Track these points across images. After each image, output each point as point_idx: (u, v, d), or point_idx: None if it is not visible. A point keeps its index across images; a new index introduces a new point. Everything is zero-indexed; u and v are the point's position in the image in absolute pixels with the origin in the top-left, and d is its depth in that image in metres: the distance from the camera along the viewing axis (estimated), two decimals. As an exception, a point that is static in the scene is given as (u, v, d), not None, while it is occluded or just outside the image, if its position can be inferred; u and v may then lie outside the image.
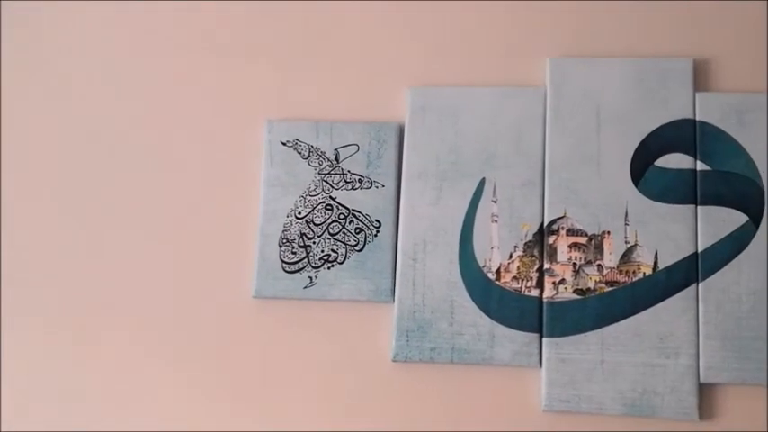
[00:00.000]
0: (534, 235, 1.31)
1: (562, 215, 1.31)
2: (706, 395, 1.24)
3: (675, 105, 1.31)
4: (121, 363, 1.38)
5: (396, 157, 1.36)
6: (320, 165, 1.38)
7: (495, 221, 1.33)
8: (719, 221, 1.27)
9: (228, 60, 1.46)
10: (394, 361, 1.30)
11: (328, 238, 1.35)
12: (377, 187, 1.36)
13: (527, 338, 1.28)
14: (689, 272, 1.26)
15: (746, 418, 1.23)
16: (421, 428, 1.29)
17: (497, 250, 1.32)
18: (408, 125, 1.37)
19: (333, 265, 1.34)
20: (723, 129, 1.29)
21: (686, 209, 1.28)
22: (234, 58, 1.46)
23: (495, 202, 1.33)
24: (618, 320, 1.26)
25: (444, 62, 1.40)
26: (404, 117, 1.37)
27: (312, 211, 1.37)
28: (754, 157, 1.28)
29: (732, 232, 1.26)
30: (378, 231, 1.34)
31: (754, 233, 1.26)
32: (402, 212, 1.34)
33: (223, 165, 1.42)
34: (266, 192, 1.38)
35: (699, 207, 1.28)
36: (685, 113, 1.31)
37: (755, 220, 1.26)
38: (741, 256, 1.26)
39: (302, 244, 1.36)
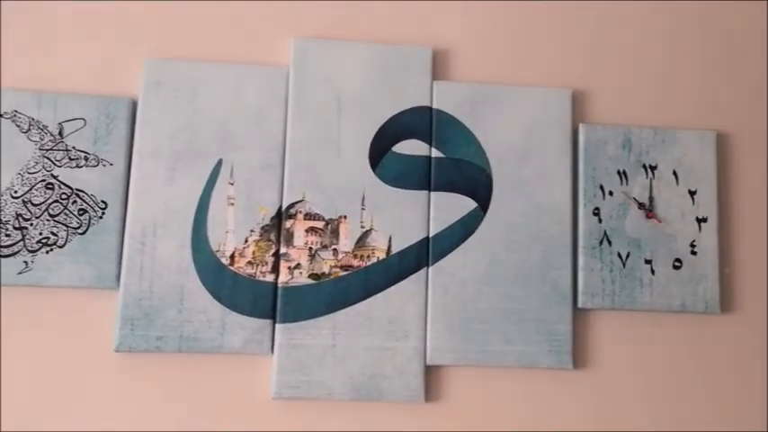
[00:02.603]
0: (272, 219, 1.31)
1: (300, 199, 1.32)
2: (433, 377, 1.31)
3: (414, 93, 1.36)
4: None
5: (127, 134, 1.31)
6: (41, 140, 1.29)
7: (232, 204, 1.31)
8: (450, 207, 1.34)
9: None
10: (117, 351, 1.25)
11: (48, 220, 1.27)
12: (104, 165, 1.30)
13: (259, 325, 1.28)
14: (420, 256, 1.32)
15: (469, 399, 1.31)
16: (147, 421, 1.26)
17: (232, 234, 1.31)
18: (142, 100, 1.32)
19: (52, 249, 1.27)
20: (457, 117, 1.36)
21: (420, 194, 1.34)
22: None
23: (232, 184, 1.32)
24: (351, 305, 1.30)
25: (184, 35, 1.36)
26: (138, 91, 1.33)
27: (30, 189, 1.28)
28: (484, 145, 1.36)
29: (461, 218, 1.34)
30: (103, 213, 1.28)
31: (482, 219, 1.34)
32: (131, 193, 1.29)
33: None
34: (-23, 167, 1.28)
35: (432, 193, 1.34)
36: (423, 101, 1.37)
37: (483, 207, 1.35)
38: (469, 240, 1.34)
39: (17, 225, 1.27)
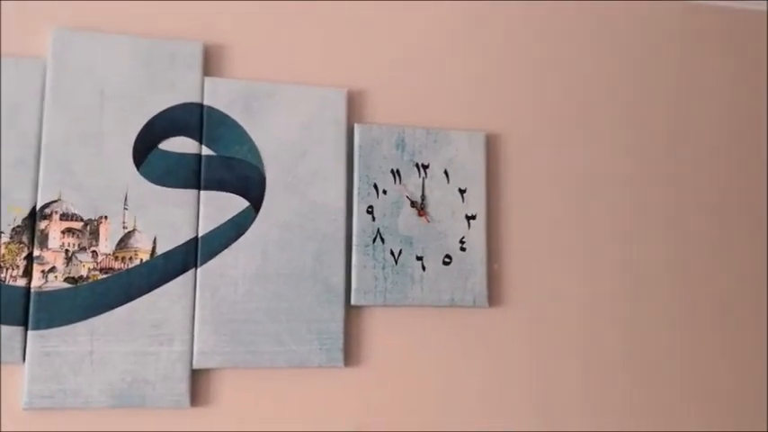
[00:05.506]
0: (24, 220, 1.29)
1: (57, 198, 1.31)
2: (201, 381, 1.33)
3: (183, 88, 1.39)
4: None
5: None
6: None
7: (-21, 204, 1.29)
8: (221, 206, 1.37)
9: None
10: None
11: None
12: None
13: (9, 332, 1.26)
14: (187, 257, 1.35)
15: (238, 402, 1.35)
16: None
17: (-21, 236, 1.28)
18: None
19: None
20: (229, 114, 1.40)
21: (189, 193, 1.37)
22: None
23: (-21, 182, 1.29)
24: (111, 309, 1.31)
25: (-73, 23, 1.33)
26: None
27: None
28: (257, 143, 1.41)
29: (233, 217, 1.38)
30: None
31: (254, 218, 1.39)
32: None
33: None
34: None
35: (202, 192, 1.37)
36: (193, 97, 1.39)
37: (256, 205, 1.39)
38: (240, 240, 1.38)
39: None
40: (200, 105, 1.39)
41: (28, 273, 1.28)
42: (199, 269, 1.35)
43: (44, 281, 1.28)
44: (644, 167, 1.61)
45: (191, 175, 1.37)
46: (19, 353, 1.26)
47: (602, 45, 1.62)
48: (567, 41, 1.61)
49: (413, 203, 1.45)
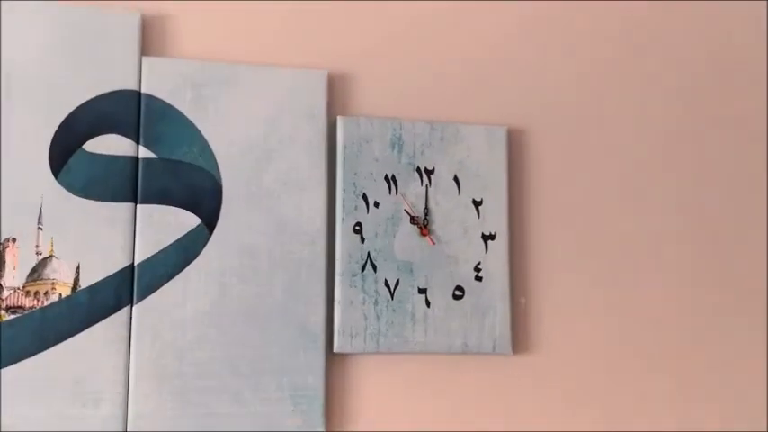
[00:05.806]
0: None
1: (-51, 216, 1.06)
2: (136, 451, 1.08)
3: (115, 72, 1.14)
4: None
5: None
6: None
7: None
8: (164, 225, 1.13)
9: None
10: None
11: None
12: None
13: None
14: (120, 291, 1.10)
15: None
16: None
17: None
18: None
19: None
20: (175, 105, 1.16)
21: (122, 208, 1.12)
22: None
23: None
24: (20, 360, 1.06)
25: None
26: None
27: None
28: (211, 143, 1.16)
29: (180, 239, 1.13)
30: None
31: (208, 240, 1.14)
32: None
33: None
34: None
35: (139, 206, 1.13)
36: (127, 84, 1.14)
37: (209, 224, 1.14)
38: (189, 268, 1.13)
39: None
40: (137, 93, 1.15)
41: None
42: (135, 307, 1.10)
43: (-69, 325, 1.04)
44: (705, 165, 1.34)
45: (125, 185, 1.12)
46: None
47: (655, 20, 1.35)
48: (612, 8, 1.33)
49: (413, 219, 1.21)
